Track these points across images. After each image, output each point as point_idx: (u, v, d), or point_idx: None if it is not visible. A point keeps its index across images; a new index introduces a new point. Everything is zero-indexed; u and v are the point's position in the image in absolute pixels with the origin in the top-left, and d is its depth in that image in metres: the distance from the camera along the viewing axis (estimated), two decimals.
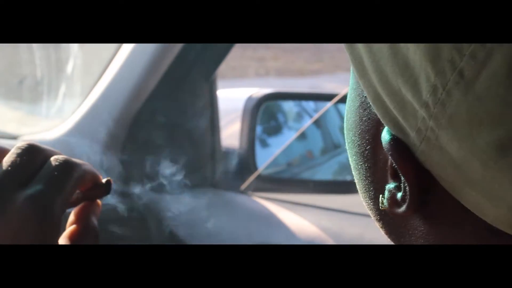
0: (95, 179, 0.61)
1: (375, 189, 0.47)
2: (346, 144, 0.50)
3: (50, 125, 1.66)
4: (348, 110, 0.49)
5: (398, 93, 0.41)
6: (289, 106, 2.01)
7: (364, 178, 0.48)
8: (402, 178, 0.43)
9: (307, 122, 1.92)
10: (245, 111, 1.69)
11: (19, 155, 0.56)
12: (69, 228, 0.62)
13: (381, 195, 0.45)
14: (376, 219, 0.49)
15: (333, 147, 1.89)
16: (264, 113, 1.76)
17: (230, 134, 1.78)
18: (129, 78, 1.53)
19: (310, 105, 2.00)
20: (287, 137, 1.89)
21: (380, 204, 0.45)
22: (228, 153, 1.68)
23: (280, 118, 2.00)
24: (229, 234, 1.53)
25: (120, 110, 1.55)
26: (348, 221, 1.45)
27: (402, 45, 0.40)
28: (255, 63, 9.99)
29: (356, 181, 0.50)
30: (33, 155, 0.57)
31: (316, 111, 1.92)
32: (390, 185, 0.44)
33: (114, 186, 0.63)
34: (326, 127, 1.87)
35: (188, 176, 1.63)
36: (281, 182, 1.78)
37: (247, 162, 1.67)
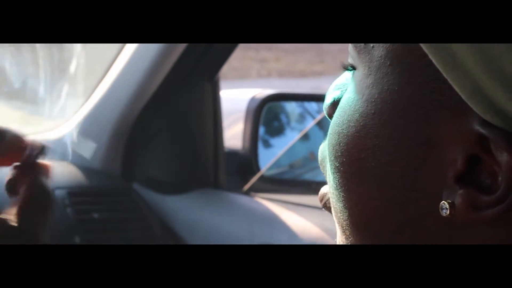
0: (18, 143, 0.60)
1: (409, 197, 0.43)
2: (345, 151, 0.45)
3: (52, 125, 1.66)
4: (369, 114, 0.44)
5: None
6: (291, 107, 2.01)
7: (389, 187, 0.44)
8: (504, 179, 0.40)
9: (310, 123, 1.92)
10: (248, 112, 1.69)
11: None
12: (21, 196, 0.61)
13: (444, 201, 0.41)
14: (395, 231, 0.45)
15: None
16: (267, 114, 1.76)
17: (233, 134, 1.78)
18: (132, 79, 1.53)
19: (312, 106, 2.00)
20: (290, 138, 1.89)
21: (443, 211, 0.42)
22: (230, 153, 1.68)
23: (283, 119, 2.00)
24: (231, 235, 1.52)
25: (122, 110, 1.55)
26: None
27: None
28: (257, 64, 9.99)
29: (360, 188, 0.46)
30: None
31: (318, 112, 1.92)
32: (467, 190, 0.41)
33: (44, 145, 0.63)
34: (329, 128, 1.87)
35: (190, 177, 1.63)
36: (284, 183, 1.78)
37: (249, 163, 1.67)
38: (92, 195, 1.50)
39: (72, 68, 1.80)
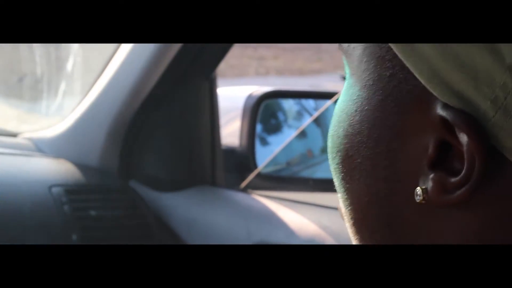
0: None
1: (392, 188, 0.44)
2: (340, 149, 0.47)
3: (50, 123, 1.66)
4: (352, 112, 0.46)
5: (470, 62, 0.40)
6: (289, 105, 2.01)
7: (374, 180, 0.45)
8: (466, 158, 0.41)
9: (307, 121, 1.92)
10: (245, 109, 1.69)
11: None
12: None
13: (419, 188, 0.42)
14: (385, 224, 0.45)
15: None
16: (264, 111, 1.76)
17: (230, 132, 1.78)
18: (129, 76, 1.53)
19: (310, 103, 2.00)
20: (287, 136, 1.89)
21: (417, 197, 0.42)
22: (228, 151, 1.68)
23: (280, 116, 2.00)
24: (229, 232, 1.53)
25: (119, 108, 1.55)
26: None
27: None
28: (255, 62, 9.99)
29: (351, 185, 0.47)
30: None
31: (316, 109, 1.92)
32: (437, 173, 0.42)
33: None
34: (326, 126, 1.87)
35: (188, 174, 1.63)
36: (281, 180, 1.78)
37: (247, 160, 1.67)
38: (89, 193, 1.50)
39: (69, 66, 1.80)
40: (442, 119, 0.41)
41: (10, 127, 1.74)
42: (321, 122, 1.88)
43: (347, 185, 0.47)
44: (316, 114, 1.88)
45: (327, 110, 1.81)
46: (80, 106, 1.60)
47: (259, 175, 1.65)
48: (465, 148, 0.41)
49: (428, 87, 0.41)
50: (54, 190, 1.45)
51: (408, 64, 0.42)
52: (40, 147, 1.61)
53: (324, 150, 1.89)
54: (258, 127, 1.72)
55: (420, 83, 0.42)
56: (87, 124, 1.58)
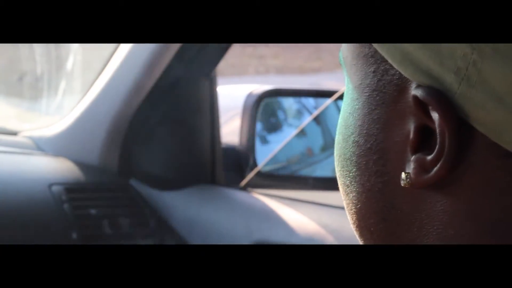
0: None
1: (384, 181, 0.45)
2: (340, 153, 0.48)
3: (50, 122, 1.66)
4: (347, 115, 0.47)
5: None
6: (289, 103, 2.01)
7: (368, 177, 0.46)
8: (438, 133, 0.42)
9: (307, 119, 1.92)
10: (245, 108, 1.69)
11: None
12: None
13: (403, 173, 0.44)
14: (381, 218, 0.46)
15: (333, 144, 1.88)
16: (264, 110, 1.76)
17: (230, 130, 1.78)
18: (129, 75, 1.53)
19: (310, 102, 2.00)
20: (287, 134, 1.88)
21: (402, 182, 0.43)
22: (228, 149, 1.68)
23: (280, 115, 2.00)
24: (229, 231, 1.53)
25: (119, 106, 1.55)
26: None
27: None
28: (255, 61, 9.99)
29: (351, 187, 0.48)
30: None
31: (316, 108, 1.92)
32: (416, 155, 0.43)
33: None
34: (326, 124, 1.87)
35: (188, 173, 1.63)
36: (281, 178, 1.78)
37: (247, 159, 1.67)
38: (89, 191, 1.50)
39: (69, 64, 1.80)
40: (416, 99, 0.42)
41: (10, 125, 1.74)
42: (321, 120, 1.88)
43: (349, 184, 0.48)
44: (316, 113, 1.88)
45: (327, 108, 1.81)
46: (80, 105, 1.60)
47: (259, 173, 1.65)
48: (436, 124, 0.42)
49: (400, 70, 0.43)
50: (54, 188, 1.45)
51: (382, 51, 0.44)
52: (40, 146, 1.61)
53: (324, 148, 1.89)
54: (258, 126, 1.72)
55: (397, 70, 0.43)
56: (87, 123, 1.59)
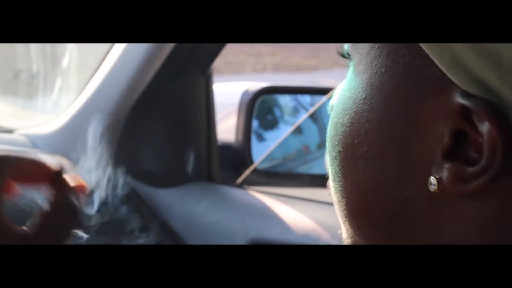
0: (36, 166, 0.60)
1: (401, 176, 0.44)
2: (342, 139, 0.46)
3: (45, 120, 1.66)
4: (357, 101, 0.45)
5: (493, 50, 0.39)
6: (285, 100, 2.01)
7: (381, 168, 0.44)
8: (488, 147, 0.40)
9: (303, 116, 1.92)
10: (241, 105, 1.69)
11: None
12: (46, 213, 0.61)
13: (432, 177, 0.42)
14: (390, 212, 0.45)
15: None
16: (260, 107, 1.76)
17: (226, 128, 1.78)
18: (125, 73, 1.53)
19: (306, 99, 2.00)
20: (283, 131, 1.89)
21: (431, 186, 0.42)
22: (224, 147, 1.68)
23: (276, 112, 2.00)
24: (225, 228, 1.52)
25: (115, 104, 1.55)
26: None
27: None
28: (252, 58, 9.98)
29: (352, 175, 0.46)
30: None
31: (312, 105, 1.92)
32: (453, 163, 0.41)
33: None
34: (322, 121, 1.87)
35: (184, 170, 1.63)
36: (277, 176, 1.78)
37: (243, 156, 1.67)
38: None
39: (65, 62, 1.80)
40: (461, 107, 0.41)
41: (6, 123, 1.74)
42: (317, 117, 1.88)
43: (348, 174, 0.47)
44: (312, 110, 1.88)
45: (323, 105, 1.81)
46: (76, 103, 1.59)
47: (255, 170, 1.65)
48: (485, 137, 0.40)
49: (448, 74, 0.41)
50: None
51: (428, 51, 0.41)
52: (36, 144, 1.60)
53: (320, 145, 1.89)
54: (254, 123, 1.72)
55: (438, 70, 0.41)
56: (83, 121, 1.58)
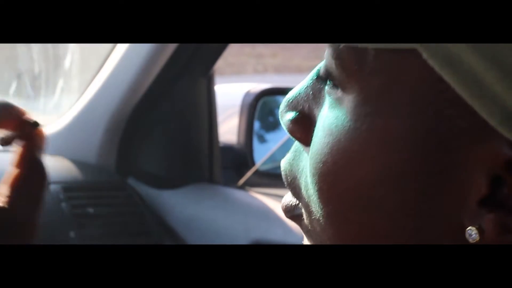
0: (14, 114, 0.60)
1: (421, 224, 0.42)
2: (343, 182, 0.43)
3: (47, 120, 1.66)
4: (372, 147, 0.42)
5: None
6: None
7: (403, 216, 0.42)
8: None
9: None
10: (243, 107, 1.69)
11: None
12: (12, 171, 0.60)
13: (471, 227, 0.40)
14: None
15: None
16: (262, 109, 1.76)
17: (228, 129, 1.78)
18: (127, 74, 1.53)
19: None
20: (285, 133, 1.88)
21: (471, 237, 0.40)
22: (225, 148, 1.68)
23: (278, 113, 1.99)
24: (227, 229, 1.52)
25: (117, 105, 1.55)
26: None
27: None
28: (253, 59, 9.99)
29: (352, 220, 0.44)
30: None
31: None
32: (495, 214, 0.40)
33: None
34: None
35: (185, 171, 1.63)
36: (279, 177, 1.77)
37: (244, 158, 1.67)
38: (87, 190, 1.50)
39: (67, 63, 1.80)
40: (508, 158, 0.39)
41: None
42: None
43: (352, 216, 0.44)
44: None
45: None
46: (78, 104, 1.59)
47: (257, 172, 1.65)
48: None
49: (500, 129, 0.39)
50: (52, 187, 1.44)
51: (475, 106, 0.39)
52: None
53: None
54: (256, 125, 1.72)
55: (477, 121, 0.39)
56: (85, 122, 1.58)
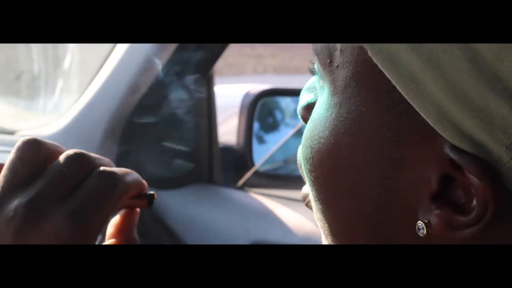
0: (139, 189, 0.58)
1: (385, 214, 0.43)
2: (319, 167, 0.45)
3: (47, 121, 1.66)
4: (339, 135, 0.44)
5: (484, 108, 0.39)
6: (286, 103, 2.01)
7: (365, 204, 0.44)
8: (479, 201, 0.40)
9: None
10: (242, 108, 1.69)
11: (66, 165, 0.53)
12: (109, 241, 0.60)
13: (420, 221, 0.42)
14: (376, 242, 0.45)
15: None
16: (261, 110, 1.76)
17: (227, 130, 1.78)
18: (126, 74, 1.53)
19: None
20: (284, 134, 1.89)
21: (419, 231, 0.42)
22: (225, 149, 1.68)
23: (277, 114, 2.00)
24: (226, 230, 1.53)
25: (116, 106, 1.55)
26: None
27: (489, 57, 0.38)
28: (253, 60, 9.98)
29: (332, 205, 0.46)
30: (79, 165, 0.53)
31: None
32: (442, 210, 0.41)
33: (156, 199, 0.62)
34: None
35: (185, 172, 1.63)
36: (278, 178, 1.78)
37: (244, 158, 1.67)
38: None
39: (67, 63, 1.80)
40: (450, 159, 0.40)
41: (8, 124, 1.74)
42: None
43: (328, 200, 0.46)
44: None
45: None
46: (78, 104, 1.60)
47: (256, 173, 1.65)
48: (477, 191, 0.40)
49: (436, 128, 0.40)
50: None
51: (414, 104, 0.41)
52: None
53: None
54: (256, 125, 1.72)
55: (423, 118, 0.41)
56: (85, 122, 1.58)
